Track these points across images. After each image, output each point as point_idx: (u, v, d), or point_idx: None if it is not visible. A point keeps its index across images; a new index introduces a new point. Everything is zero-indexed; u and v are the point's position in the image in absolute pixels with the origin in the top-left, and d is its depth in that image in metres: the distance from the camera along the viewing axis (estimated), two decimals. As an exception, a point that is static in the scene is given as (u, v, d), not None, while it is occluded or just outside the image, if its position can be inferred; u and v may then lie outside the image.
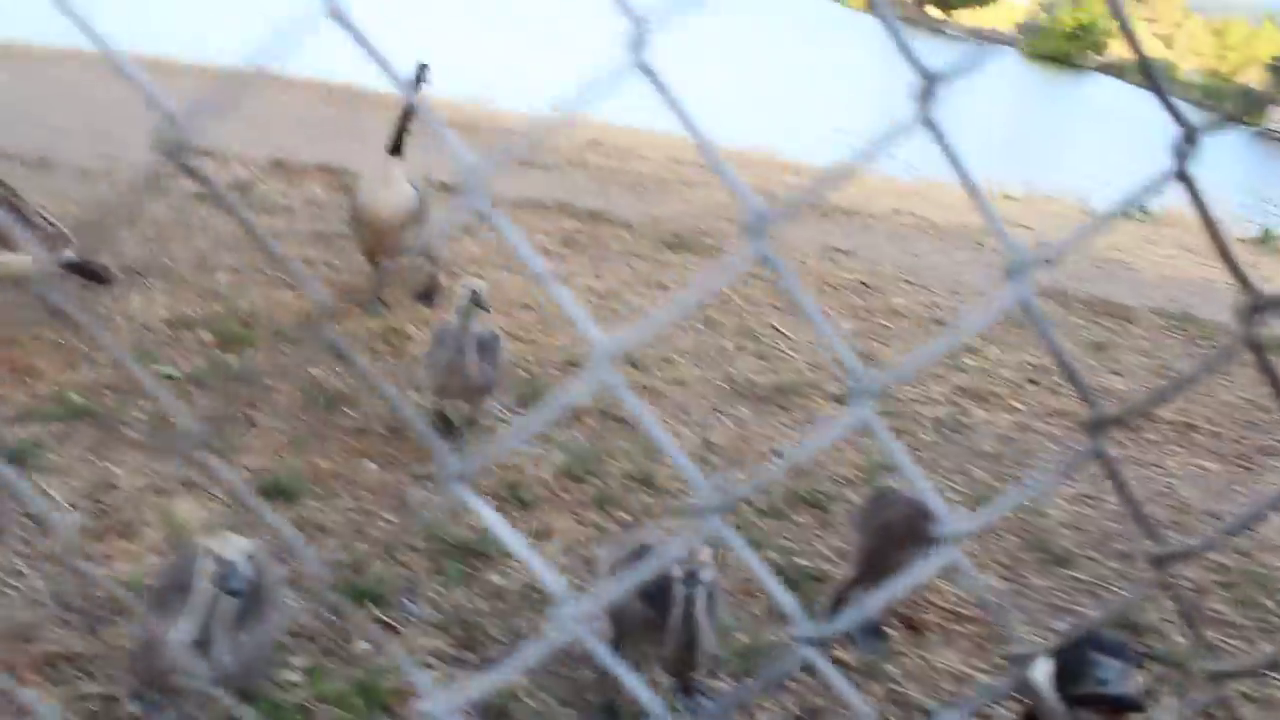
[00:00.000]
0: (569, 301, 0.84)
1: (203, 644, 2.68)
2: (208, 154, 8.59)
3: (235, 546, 2.68)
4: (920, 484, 0.99)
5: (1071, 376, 0.92)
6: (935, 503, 0.93)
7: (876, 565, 3.90)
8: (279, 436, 4.71)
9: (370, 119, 10.95)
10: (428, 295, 6.30)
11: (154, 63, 12.25)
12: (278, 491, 4.27)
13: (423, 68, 5.60)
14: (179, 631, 2.66)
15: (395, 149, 5.74)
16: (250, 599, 2.72)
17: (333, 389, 5.13)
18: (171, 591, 2.77)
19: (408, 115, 5.65)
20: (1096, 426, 0.92)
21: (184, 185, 7.81)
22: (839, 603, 4.03)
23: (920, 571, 0.92)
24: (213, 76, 12.11)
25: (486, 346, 4.60)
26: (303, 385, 5.12)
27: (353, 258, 6.61)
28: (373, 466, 4.62)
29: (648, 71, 0.75)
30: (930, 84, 0.82)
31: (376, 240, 5.90)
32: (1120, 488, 0.99)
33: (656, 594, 3.27)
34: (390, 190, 5.72)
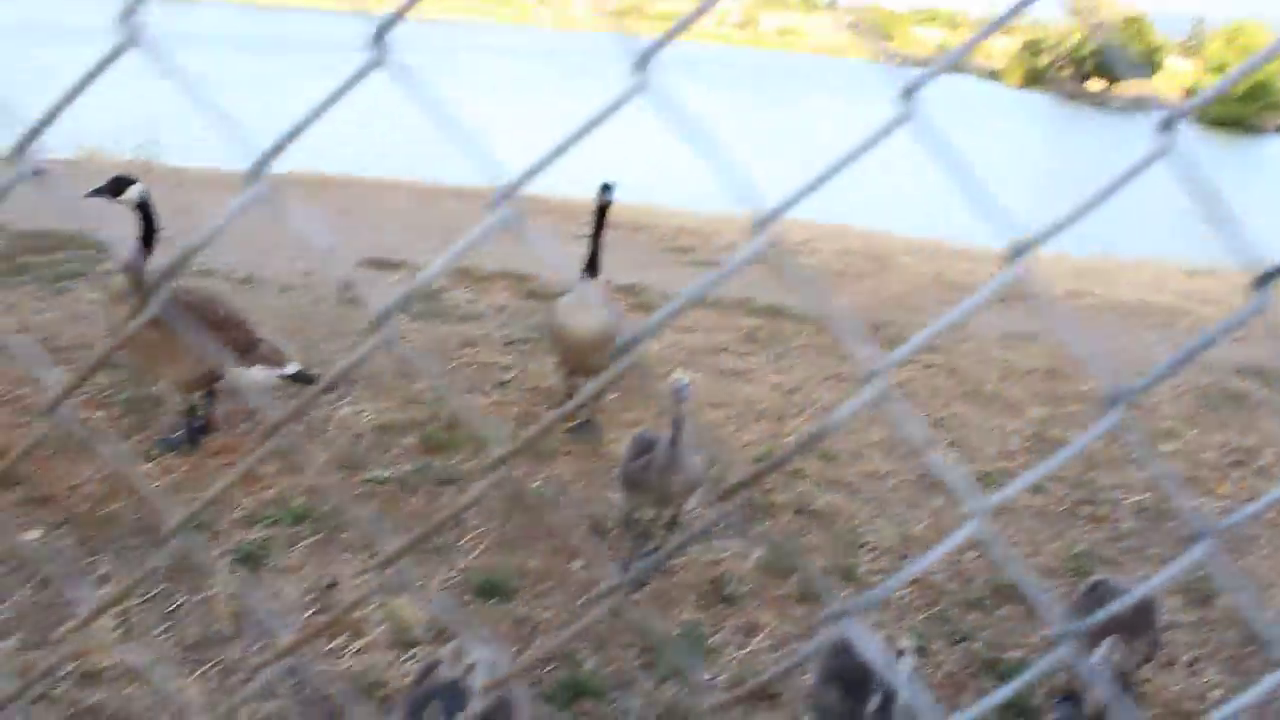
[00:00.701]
0: (943, 467, 0.93)
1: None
2: (399, 265, 9.09)
3: (474, 655, 2.78)
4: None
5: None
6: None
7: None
8: (488, 538, 4.91)
9: (545, 224, 11.40)
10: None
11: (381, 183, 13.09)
12: (492, 590, 4.45)
13: (607, 187, 5.77)
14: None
15: (591, 269, 5.86)
16: (496, 707, 2.83)
17: (536, 491, 5.32)
18: (421, 701, 2.90)
19: (599, 234, 5.82)
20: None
21: (377, 298, 8.27)
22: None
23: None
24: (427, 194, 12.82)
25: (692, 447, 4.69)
26: (508, 488, 5.34)
27: (544, 361, 6.87)
28: (579, 565, 4.77)
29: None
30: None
31: (576, 360, 6.03)
32: None
33: (855, 684, 3.29)
34: (588, 313, 5.83)
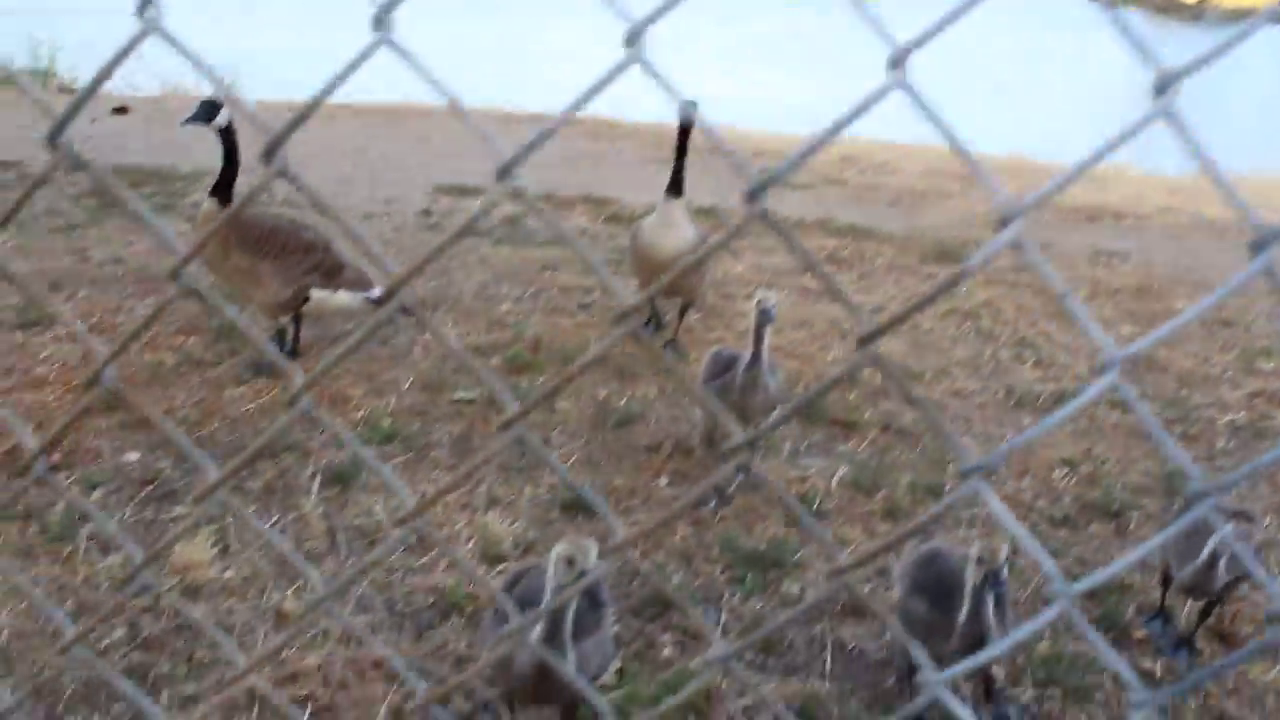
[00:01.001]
0: (1082, 314, 0.90)
1: (551, 643, 2.81)
2: (480, 191, 9.11)
3: (583, 549, 2.80)
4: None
5: None
6: None
7: (1201, 580, 3.72)
8: (573, 456, 4.95)
9: (626, 150, 11.34)
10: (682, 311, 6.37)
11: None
12: (579, 506, 4.49)
13: (691, 104, 5.61)
14: (532, 631, 2.79)
15: (675, 189, 5.78)
16: (590, 602, 2.87)
17: (621, 410, 5.34)
18: (521, 602, 2.94)
19: (683, 153, 5.73)
20: None
21: (458, 223, 8.31)
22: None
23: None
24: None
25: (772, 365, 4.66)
26: (593, 407, 5.36)
27: (626, 284, 6.87)
28: (664, 481, 4.79)
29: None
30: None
31: (657, 280, 5.94)
32: None
33: (943, 595, 3.27)
34: (673, 232, 5.78)
